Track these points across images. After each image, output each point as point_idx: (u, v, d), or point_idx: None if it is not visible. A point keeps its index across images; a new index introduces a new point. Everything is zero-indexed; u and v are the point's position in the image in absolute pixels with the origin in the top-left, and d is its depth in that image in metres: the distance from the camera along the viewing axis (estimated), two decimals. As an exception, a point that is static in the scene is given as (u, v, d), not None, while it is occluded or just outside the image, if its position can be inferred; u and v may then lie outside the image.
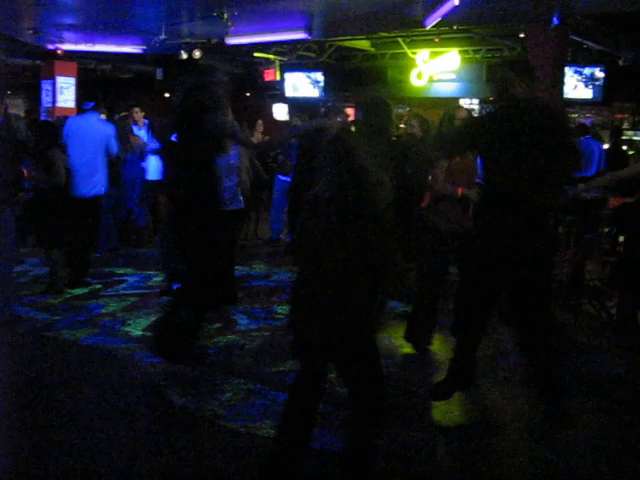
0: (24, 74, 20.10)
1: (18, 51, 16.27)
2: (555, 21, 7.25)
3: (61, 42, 14.53)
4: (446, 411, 5.07)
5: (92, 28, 13.29)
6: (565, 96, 11.14)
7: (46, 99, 16.12)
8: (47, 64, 15.97)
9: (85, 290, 8.09)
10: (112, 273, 8.88)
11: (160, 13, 12.33)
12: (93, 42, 14.50)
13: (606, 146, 13.06)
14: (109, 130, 8.76)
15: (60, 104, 15.74)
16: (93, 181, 8.37)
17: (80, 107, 9.13)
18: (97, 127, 8.61)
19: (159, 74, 15.59)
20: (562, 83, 7.60)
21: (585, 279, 8.08)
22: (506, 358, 6.17)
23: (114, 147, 8.70)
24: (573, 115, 18.15)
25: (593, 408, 5.23)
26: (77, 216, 8.18)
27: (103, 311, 7.32)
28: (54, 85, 15.84)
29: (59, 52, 14.94)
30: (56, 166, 7.63)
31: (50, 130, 8.05)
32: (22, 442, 4.48)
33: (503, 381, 5.71)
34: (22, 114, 13.75)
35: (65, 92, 15.95)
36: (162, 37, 13.37)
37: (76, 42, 14.54)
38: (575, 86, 13.43)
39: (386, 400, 3.86)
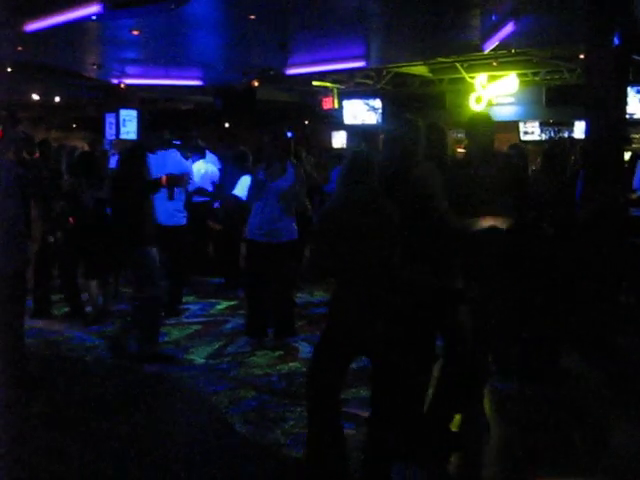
0: (88, 108, 20.61)
1: (82, 86, 16.71)
2: (616, 41, 7.14)
3: (124, 76, 14.86)
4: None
5: (154, 62, 13.58)
6: (629, 116, 10.96)
7: (110, 132, 16.48)
8: (110, 97, 16.35)
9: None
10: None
11: (219, 45, 12.55)
12: (155, 75, 14.80)
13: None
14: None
15: (123, 136, 16.07)
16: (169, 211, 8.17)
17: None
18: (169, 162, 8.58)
19: (218, 104, 15.81)
20: (624, 103, 7.46)
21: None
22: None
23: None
24: (636, 135, 17.83)
25: None
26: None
27: (166, 339, 7.39)
28: (117, 118, 16.19)
29: (122, 86, 15.28)
30: (79, 198, 7.80)
31: (83, 161, 8.14)
32: (89, 467, 4.55)
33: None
34: (86, 146, 14.08)
35: (128, 124, 16.29)
36: (221, 69, 13.59)
37: (138, 76, 14.86)
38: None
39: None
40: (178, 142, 8.71)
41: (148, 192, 6.54)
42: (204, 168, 10.05)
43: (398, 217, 4.10)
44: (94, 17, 8.70)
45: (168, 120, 17.16)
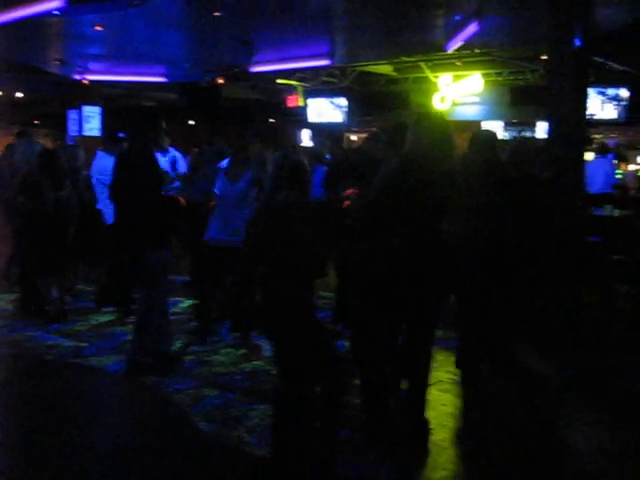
0: (51, 104, 20.38)
1: (45, 81, 16.52)
2: (577, 43, 7.25)
3: (87, 72, 14.72)
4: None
5: (117, 58, 13.47)
6: (590, 117, 11.11)
7: (73, 128, 16.33)
8: (73, 94, 16.18)
9: (112, 317, 8.14)
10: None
11: (184, 42, 12.49)
12: (118, 72, 14.68)
13: (632, 167, 13.02)
14: None
15: (86, 132, 15.94)
16: None
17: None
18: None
19: (183, 101, 15.75)
20: (585, 104, 7.57)
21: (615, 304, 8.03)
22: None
23: None
24: (597, 135, 18.08)
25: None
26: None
27: (129, 338, 7.32)
28: (80, 114, 16.05)
29: (85, 82, 15.13)
30: (41, 193, 7.70)
31: (46, 158, 8.05)
32: (47, 468, 4.51)
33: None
34: (49, 143, 13.94)
35: (91, 121, 16.17)
36: (186, 66, 13.53)
37: (102, 72, 14.73)
38: (603, 106, 13.43)
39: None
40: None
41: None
42: None
43: (330, 224, 4.09)
44: (56, 12, 8.61)
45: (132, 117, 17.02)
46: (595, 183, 11.14)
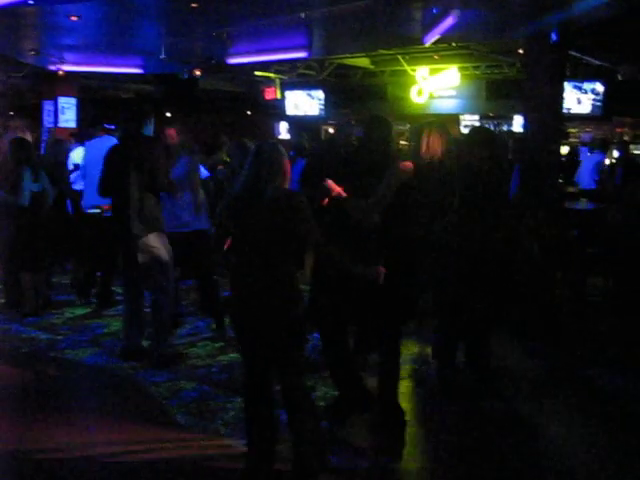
0: (26, 95, 20.16)
1: (20, 72, 16.34)
2: (553, 37, 7.30)
3: (62, 63, 14.58)
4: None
5: (93, 49, 13.35)
6: (565, 111, 11.17)
7: (48, 119, 16.19)
8: (49, 85, 16.03)
9: (87, 310, 8.10)
10: (114, 292, 8.84)
11: (160, 33, 12.40)
12: (94, 63, 14.56)
13: (607, 161, 13.09)
14: None
15: (62, 124, 15.80)
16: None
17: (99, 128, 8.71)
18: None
19: (160, 93, 15.65)
20: (561, 98, 7.62)
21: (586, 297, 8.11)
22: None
23: None
24: (573, 130, 18.21)
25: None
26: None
27: (105, 331, 7.32)
28: (56, 105, 15.90)
29: (60, 73, 14.98)
30: (19, 186, 7.60)
31: (21, 148, 7.94)
32: (25, 462, 4.48)
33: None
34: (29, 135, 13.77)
35: (67, 112, 16.02)
36: (162, 57, 13.43)
37: (77, 63, 14.60)
38: (579, 101, 13.50)
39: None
40: (111, 127, 8.56)
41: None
42: None
43: (306, 215, 3.95)
44: (31, 2, 8.53)
45: (108, 108, 16.92)
46: (586, 179, 11.27)
